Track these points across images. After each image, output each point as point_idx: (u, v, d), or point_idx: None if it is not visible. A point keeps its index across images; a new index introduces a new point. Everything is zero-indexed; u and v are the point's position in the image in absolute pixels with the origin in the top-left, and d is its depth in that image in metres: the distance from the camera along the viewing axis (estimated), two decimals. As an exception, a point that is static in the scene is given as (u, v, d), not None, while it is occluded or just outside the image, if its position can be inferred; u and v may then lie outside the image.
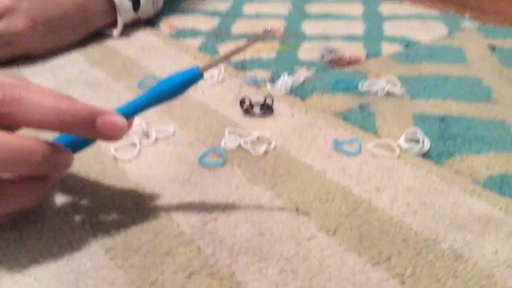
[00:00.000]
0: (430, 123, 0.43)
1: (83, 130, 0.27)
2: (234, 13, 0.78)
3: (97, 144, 0.40)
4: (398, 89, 0.49)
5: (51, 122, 0.26)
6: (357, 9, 0.80)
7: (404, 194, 0.34)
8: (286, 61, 0.57)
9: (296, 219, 0.32)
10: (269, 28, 0.27)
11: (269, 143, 0.40)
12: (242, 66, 0.56)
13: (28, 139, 0.26)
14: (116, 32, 0.64)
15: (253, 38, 0.28)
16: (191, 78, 0.28)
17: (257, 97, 0.48)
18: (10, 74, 0.54)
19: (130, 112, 0.30)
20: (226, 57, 0.29)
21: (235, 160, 0.38)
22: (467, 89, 0.50)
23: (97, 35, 0.65)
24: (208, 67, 0.29)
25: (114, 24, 0.65)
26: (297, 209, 0.33)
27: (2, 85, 0.26)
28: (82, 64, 0.57)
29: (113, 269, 0.28)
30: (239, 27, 0.71)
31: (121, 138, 0.29)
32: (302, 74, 0.54)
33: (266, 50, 0.61)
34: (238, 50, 0.28)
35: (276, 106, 0.46)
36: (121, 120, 0.28)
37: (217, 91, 0.50)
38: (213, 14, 0.77)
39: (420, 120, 0.43)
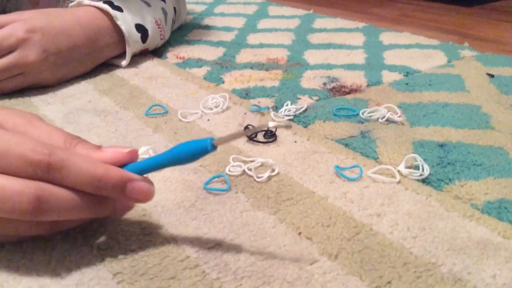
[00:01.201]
0: (429, 150, 0.44)
1: (114, 194, 0.30)
2: (239, 43, 0.80)
3: (105, 171, 0.41)
4: (398, 116, 0.50)
5: (86, 186, 0.29)
6: (358, 39, 0.82)
7: (404, 219, 0.35)
8: (289, 90, 0.59)
9: (298, 243, 0.33)
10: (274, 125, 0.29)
11: (273, 169, 0.41)
12: (246, 94, 0.58)
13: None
14: (124, 62, 0.66)
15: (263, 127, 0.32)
16: (204, 150, 0.29)
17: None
18: (22, 102, 0.55)
19: (143, 170, 0.31)
20: (241, 135, 0.30)
21: (239, 186, 0.39)
22: (466, 116, 0.51)
23: (106, 65, 0.67)
24: (222, 142, 0.29)
25: (122, 54, 0.67)
26: (299, 234, 0.33)
27: (49, 148, 0.28)
28: (91, 93, 0.58)
29: (120, 292, 0.29)
30: (244, 56, 0.73)
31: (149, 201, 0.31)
32: (304, 102, 0.55)
33: (270, 79, 0.63)
34: (253, 131, 0.30)
35: (279, 133, 0.48)
36: (148, 186, 0.30)
37: (222, 118, 0.51)
38: (218, 44, 0.79)
39: (420, 146, 0.44)
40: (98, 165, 0.29)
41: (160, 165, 0.31)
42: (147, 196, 0.30)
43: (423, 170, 0.40)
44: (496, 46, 0.82)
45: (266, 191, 0.38)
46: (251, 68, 0.68)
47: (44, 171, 0.27)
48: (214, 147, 0.29)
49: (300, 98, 0.56)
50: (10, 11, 0.70)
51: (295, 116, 0.51)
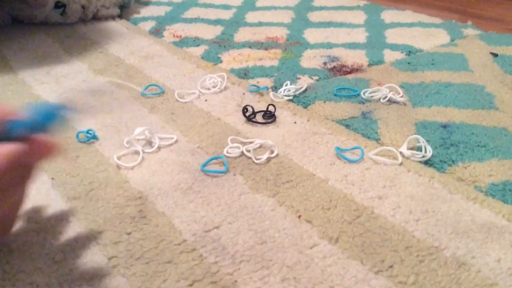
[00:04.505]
0: (432, 131, 0.43)
1: None
2: (237, 22, 0.78)
3: (100, 152, 0.40)
4: (400, 96, 0.49)
5: None
6: (360, 17, 0.80)
7: (407, 202, 0.34)
8: (288, 69, 0.57)
9: (298, 227, 0.32)
10: None
11: (272, 151, 0.40)
12: (245, 74, 0.56)
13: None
14: None
15: None
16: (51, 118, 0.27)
17: (259, 105, 0.48)
18: (15, 82, 0.54)
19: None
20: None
21: (238, 168, 0.38)
22: (470, 96, 0.50)
23: (100, 44, 0.65)
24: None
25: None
26: (299, 217, 0.33)
27: None
28: (86, 73, 0.57)
29: (115, 277, 0.28)
30: (242, 35, 0.71)
31: None
32: (304, 82, 0.54)
33: (269, 58, 0.61)
34: None
35: (278, 114, 0.47)
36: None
37: (220, 99, 0.50)
38: (216, 22, 0.78)
39: (422, 127, 0.43)
40: None
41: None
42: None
43: (425, 151, 0.39)
44: (500, 25, 0.80)
45: (265, 173, 0.37)
46: (250, 47, 0.66)
47: None
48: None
49: (300, 78, 0.55)
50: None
51: (294, 96, 0.50)
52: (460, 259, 0.29)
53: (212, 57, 0.62)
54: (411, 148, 0.40)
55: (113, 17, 0.80)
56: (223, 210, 0.33)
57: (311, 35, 0.71)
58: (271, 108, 0.46)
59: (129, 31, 0.73)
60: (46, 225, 0.32)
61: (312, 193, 0.35)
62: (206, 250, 0.30)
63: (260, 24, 0.77)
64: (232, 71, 0.57)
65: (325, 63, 0.60)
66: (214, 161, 0.39)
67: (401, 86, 0.52)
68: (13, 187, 0.27)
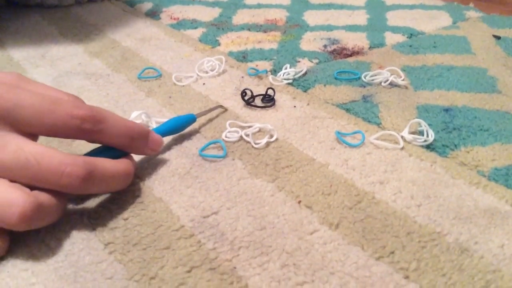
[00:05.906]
0: (434, 114, 0.42)
1: (140, 143, 0.33)
2: (235, 3, 0.77)
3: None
4: (401, 80, 0.48)
5: (122, 136, 0.31)
6: (360, -1, 0.79)
7: (408, 187, 0.33)
8: (288, 52, 0.56)
9: (298, 212, 0.31)
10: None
11: (271, 135, 0.39)
12: (244, 57, 0.55)
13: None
14: None
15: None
16: (191, 121, 0.39)
17: (258, 89, 0.48)
18: (9, 65, 0.53)
19: None
20: (211, 110, 0.42)
21: (236, 153, 0.37)
22: (472, 80, 0.49)
23: (96, 25, 0.64)
24: (201, 115, 0.41)
25: None
26: (299, 202, 0.32)
27: (86, 104, 0.30)
28: (82, 56, 0.56)
29: (112, 263, 0.27)
30: (241, 17, 0.70)
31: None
32: (304, 65, 0.53)
33: (268, 41, 0.60)
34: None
35: (278, 97, 0.46)
36: (160, 137, 0.35)
37: (218, 82, 0.49)
38: (214, 4, 0.76)
39: (424, 111, 0.43)
40: (123, 118, 0.32)
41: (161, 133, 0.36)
42: (161, 145, 0.35)
43: (427, 135, 0.39)
44: (502, 7, 0.79)
45: (264, 158, 0.37)
46: (249, 29, 0.65)
47: (91, 124, 0.29)
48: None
49: (299, 61, 0.54)
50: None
51: (294, 79, 0.49)
52: (462, 245, 0.28)
53: (210, 40, 0.61)
54: (413, 132, 0.39)
55: (109, -1, 0.78)
56: (221, 195, 0.33)
57: (311, 17, 0.69)
58: (270, 92, 0.46)
59: (125, 13, 0.71)
60: (41, 210, 0.31)
61: (312, 178, 0.34)
62: (205, 236, 0.29)
63: (259, 6, 0.75)
64: (231, 54, 0.56)
65: (325, 46, 0.59)
66: (212, 145, 0.38)
67: (403, 69, 0.51)
68: None
